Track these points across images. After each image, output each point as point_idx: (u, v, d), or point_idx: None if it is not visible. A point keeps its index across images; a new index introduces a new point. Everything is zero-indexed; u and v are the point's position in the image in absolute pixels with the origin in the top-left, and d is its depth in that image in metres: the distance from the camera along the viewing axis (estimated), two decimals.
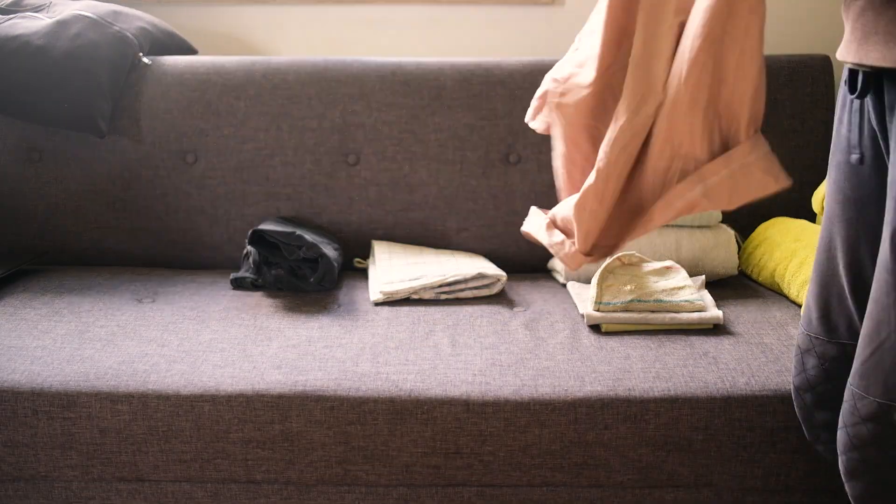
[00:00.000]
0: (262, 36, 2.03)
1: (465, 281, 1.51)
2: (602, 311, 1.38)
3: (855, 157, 0.96)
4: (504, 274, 1.55)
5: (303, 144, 1.70)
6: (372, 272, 1.60)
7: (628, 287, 1.40)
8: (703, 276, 1.51)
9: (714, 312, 1.38)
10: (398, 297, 1.50)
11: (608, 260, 1.43)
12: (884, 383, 0.87)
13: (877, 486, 0.91)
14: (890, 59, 0.82)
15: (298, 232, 1.53)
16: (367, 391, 1.22)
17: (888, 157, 0.89)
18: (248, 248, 1.56)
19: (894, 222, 0.85)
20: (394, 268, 1.57)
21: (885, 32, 0.84)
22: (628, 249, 1.50)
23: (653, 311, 1.38)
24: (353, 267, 1.70)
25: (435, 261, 1.60)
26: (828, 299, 1.04)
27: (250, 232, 1.53)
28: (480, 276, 1.52)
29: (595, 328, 1.39)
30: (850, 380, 0.92)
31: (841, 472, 0.95)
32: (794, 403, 1.14)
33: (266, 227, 1.55)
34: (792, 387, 1.13)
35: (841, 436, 0.93)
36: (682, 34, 0.93)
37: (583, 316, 1.41)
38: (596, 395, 1.21)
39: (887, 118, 0.88)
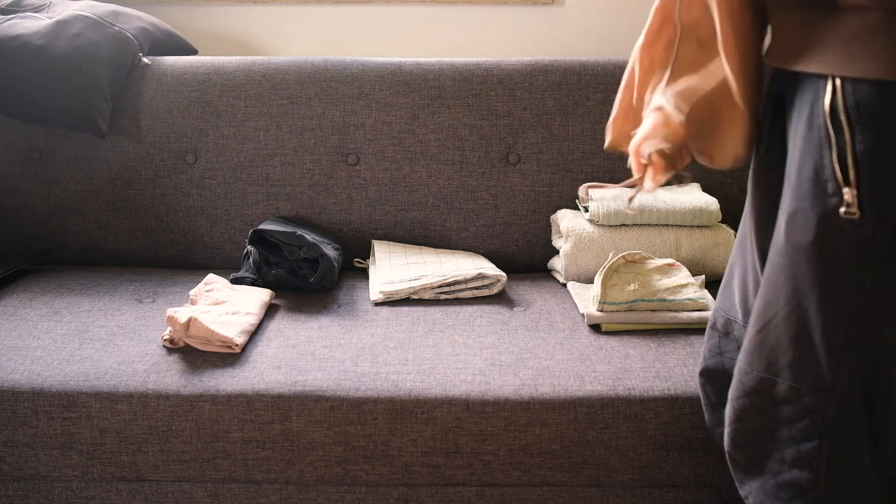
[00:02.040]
0: (262, 36, 2.03)
1: (466, 281, 1.51)
2: (606, 311, 1.38)
3: (763, 148, 1.00)
4: (504, 274, 1.55)
5: (303, 144, 1.70)
6: (372, 272, 1.60)
7: (632, 286, 1.40)
8: (704, 276, 1.51)
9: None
10: (398, 297, 1.50)
11: (613, 258, 1.43)
12: (767, 359, 0.93)
13: (757, 456, 0.97)
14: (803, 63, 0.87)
15: (299, 232, 1.53)
16: (367, 391, 1.22)
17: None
18: (249, 247, 1.56)
19: (787, 208, 0.89)
20: (394, 268, 1.57)
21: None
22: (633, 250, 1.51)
23: (654, 311, 1.38)
24: (353, 267, 1.70)
25: (435, 261, 1.60)
26: (745, 284, 1.07)
27: (251, 232, 1.53)
28: (480, 276, 1.52)
29: (595, 327, 1.39)
30: (738, 358, 0.98)
31: (725, 445, 1.01)
32: (700, 390, 1.15)
33: (266, 226, 1.55)
34: (700, 371, 1.15)
35: (728, 409, 0.99)
36: None
37: (583, 316, 1.41)
38: (596, 395, 1.21)
39: (787, 114, 0.93)
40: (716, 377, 1.12)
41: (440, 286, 1.51)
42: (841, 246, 0.85)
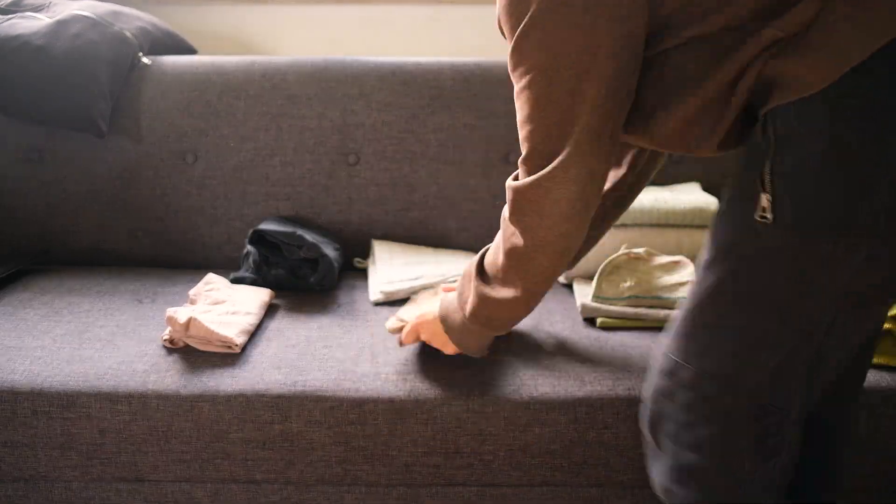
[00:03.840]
0: (262, 36, 2.03)
1: None
2: (598, 304, 1.39)
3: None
4: None
5: (302, 144, 1.70)
6: (372, 272, 1.60)
7: (628, 283, 1.41)
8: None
9: None
10: (398, 297, 1.50)
11: (615, 254, 1.44)
12: (681, 344, 0.97)
13: (662, 438, 1.01)
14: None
15: (299, 232, 1.53)
16: (367, 391, 1.22)
17: None
18: (249, 247, 1.56)
19: (720, 210, 0.95)
20: (394, 267, 1.57)
21: None
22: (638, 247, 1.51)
23: (650, 307, 1.39)
24: (353, 267, 1.70)
25: (434, 260, 1.60)
26: None
27: (251, 232, 1.53)
28: None
29: (591, 322, 1.40)
30: (663, 340, 1.02)
31: (644, 425, 1.04)
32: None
33: (266, 226, 1.55)
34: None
35: (646, 389, 1.03)
36: None
37: (581, 308, 1.41)
38: (596, 395, 1.21)
39: None
40: None
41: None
42: (756, 248, 0.88)
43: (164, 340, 1.30)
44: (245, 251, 1.58)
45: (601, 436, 1.21)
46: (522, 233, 1.01)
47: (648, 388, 1.03)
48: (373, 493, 1.26)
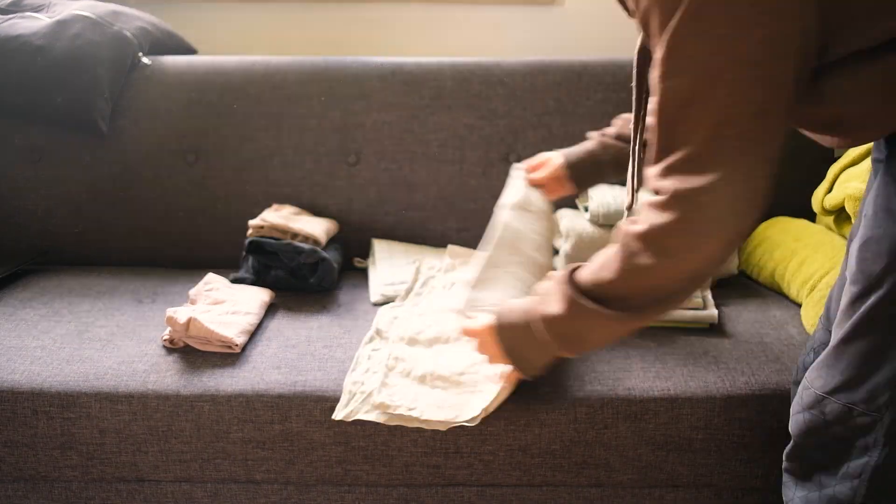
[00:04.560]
0: (263, 36, 2.03)
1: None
2: None
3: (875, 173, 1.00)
4: None
5: (302, 144, 1.70)
6: (372, 272, 1.60)
7: None
8: (710, 278, 1.51)
9: (709, 312, 1.38)
10: (398, 297, 1.50)
11: None
12: (823, 377, 0.93)
13: (809, 469, 0.98)
14: None
15: (294, 242, 1.52)
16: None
17: None
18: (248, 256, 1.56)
19: (860, 237, 0.89)
20: (394, 267, 1.57)
21: None
22: None
23: None
24: (353, 267, 1.70)
25: (434, 257, 1.59)
26: (831, 291, 1.08)
27: (247, 242, 1.52)
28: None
29: None
30: (805, 374, 0.98)
31: (784, 454, 1.02)
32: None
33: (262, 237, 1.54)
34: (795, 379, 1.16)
35: (790, 423, 1.00)
36: None
37: None
38: (596, 395, 1.21)
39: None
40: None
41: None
42: None
43: (164, 340, 1.30)
44: (244, 254, 1.58)
45: (601, 436, 1.21)
46: (681, 260, 0.89)
47: (791, 423, 0.99)
48: (373, 493, 1.26)
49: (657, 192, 0.87)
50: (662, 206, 0.86)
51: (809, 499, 0.97)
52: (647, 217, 0.88)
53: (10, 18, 1.69)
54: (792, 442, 1.00)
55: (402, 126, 1.70)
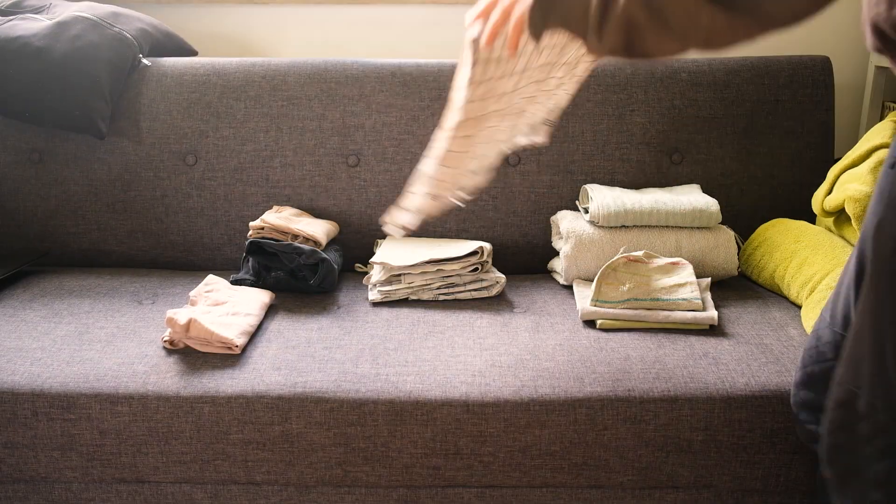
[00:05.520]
0: (262, 37, 2.03)
1: (464, 284, 1.52)
2: (599, 307, 1.39)
3: (889, 161, 0.97)
4: (503, 276, 1.55)
5: (302, 146, 1.70)
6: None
7: (626, 286, 1.41)
8: (710, 279, 1.51)
9: (709, 313, 1.38)
10: (397, 296, 1.50)
11: (614, 257, 1.45)
12: (854, 370, 0.90)
13: (844, 473, 0.95)
14: None
15: (295, 243, 1.53)
16: (367, 392, 1.22)
17: None
18: (248, 257, 1.56)
19: (875, 218, 0.87)
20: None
21: None
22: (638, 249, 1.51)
23: (648, 309, 1.39)
24: (354, 269, 1.70)
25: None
26: (839, 288, 1.07)
27: (248, 243, 1.53)
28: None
29: (591, 325, 1.40)
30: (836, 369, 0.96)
31: (823, 459, 0.99)
32: (797, 408, 1.15)
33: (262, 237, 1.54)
34: (798, 381, 1.15)
35: (823, 421, 0.97)
36: None
37: (580, 311, 1.42)
38: (596, 396, 1.21)
39: None
40: (815, 384, 1.10)
41: (439, 287, 1.51)
42: None
43: (165, 342, 1.31)
44: (244, 256, 1.58)
45: (601, 437, 1.21)
46: None
47: (824, 421, 0.96)
48: (373, 494, 1.26)
49: None
50: None
51: None
52: None
53: (10, 20, 1.69)
54: (826, 443, 0.96)
55: (401, 127, 1.70)
